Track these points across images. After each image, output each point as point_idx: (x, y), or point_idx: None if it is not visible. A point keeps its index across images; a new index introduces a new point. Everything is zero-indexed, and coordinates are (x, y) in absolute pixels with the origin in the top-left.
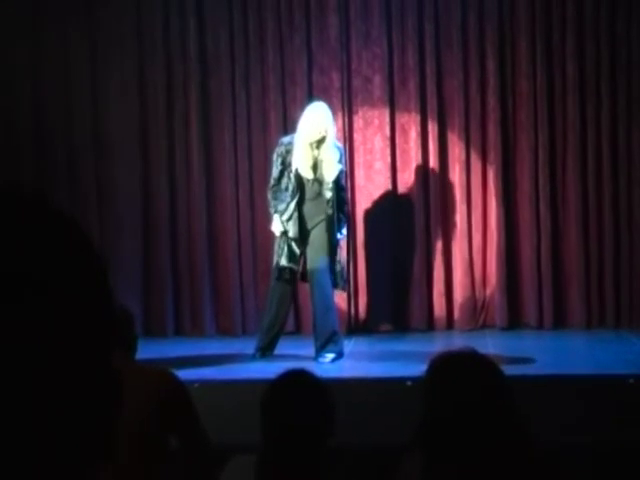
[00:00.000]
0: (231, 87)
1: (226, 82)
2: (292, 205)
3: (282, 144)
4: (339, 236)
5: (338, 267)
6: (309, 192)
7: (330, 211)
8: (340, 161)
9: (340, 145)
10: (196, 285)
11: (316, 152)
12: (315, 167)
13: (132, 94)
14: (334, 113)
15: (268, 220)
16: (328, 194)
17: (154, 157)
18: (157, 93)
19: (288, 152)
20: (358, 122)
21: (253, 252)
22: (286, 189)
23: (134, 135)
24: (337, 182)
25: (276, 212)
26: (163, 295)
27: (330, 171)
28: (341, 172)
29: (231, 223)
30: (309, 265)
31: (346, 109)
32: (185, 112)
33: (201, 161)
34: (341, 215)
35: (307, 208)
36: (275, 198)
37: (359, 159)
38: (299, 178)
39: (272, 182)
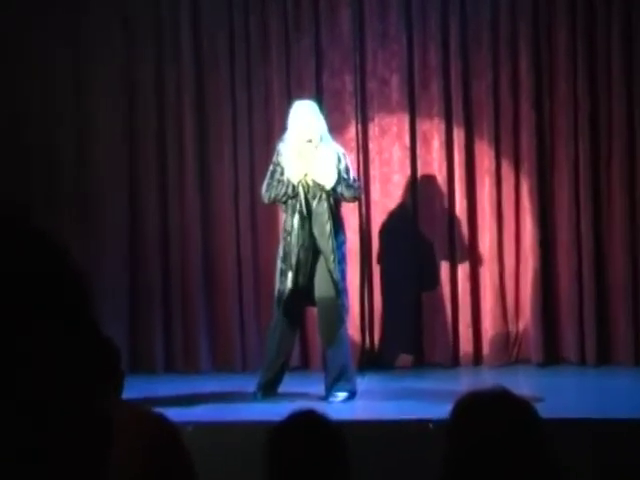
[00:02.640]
0: (230, 92)
1: (224, 86)
2: (295, 222)
3: (279, 151)
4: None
5: (341, 285)
6: (312, 204)
7: (327, 228)
8: (339, 163)
9: (336, 145)
10: (190, 314)
11: (307, 158)
12: (309, 174)
13: (118, 98)
14: (346, 120)
15: (272, 241)
16: (323, 205)
17: (143, 171)
18: (146, 99)
19: (281, 160)
20: (374, 130)
21: (255, 277)
22: (285, 202)
23: (120, 145)
24: (334, 189)
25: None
26: (152, 325)
27: (327, 177)
28: (344, 171)
29: (230, 245)
30: (317, 290)
31: (360, 115)
32: (178, 120)
33: (196, 175)
34: (338, 228)
35: (313, 223)
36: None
37: (375, 171)
38: (295, 188)
39: (268, 187)
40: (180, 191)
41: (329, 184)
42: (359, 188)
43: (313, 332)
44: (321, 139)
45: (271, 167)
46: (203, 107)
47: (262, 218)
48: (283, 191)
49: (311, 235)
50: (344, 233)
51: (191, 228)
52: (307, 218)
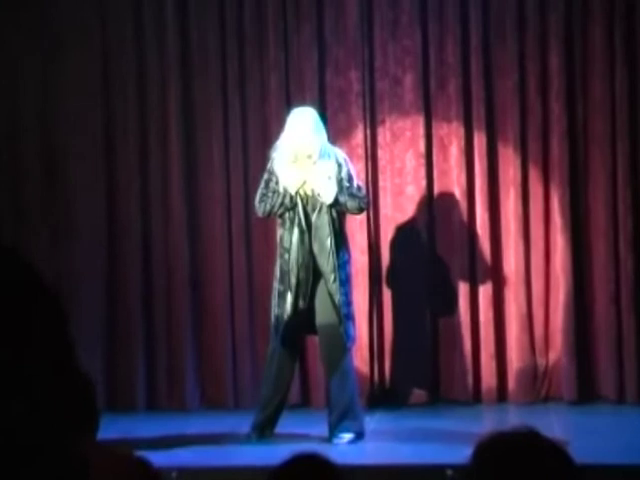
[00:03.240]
0: (222, 91)
1: (215, 85)
2: (293, 237)
3: (272, 158)
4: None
5: (344, 310)
6: (312, 217)
7: (328, 243)
8: (340, 171)
9: (336, 150)
10: (175, 343)
11: (305, 166)
12: (306, 186)
13: (93, 99)
14: (353, 123)
15: (268, 259)
16: (324, 218)
17: (122, 181)
18: (126, 99)
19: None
20: (384, 135)
21: (249, 300)
22: (281, 214)
23: (97, 152)
24: (336, 199)
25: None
26: (132, 356)
27: (326, 192)
28: (346, 179)
29: (221, 264)
30: (318, 316)
31: (368, 118)
32: (163, 123)
33: (183, 185)
34: (340, 244)
35: (312, 238)
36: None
37: (385, 182)
38: (292, 198)
39: (263, 198)
40: (164, 203)
41: (328, 199)
42: (365, 197)
43: (315, 364)
44: (321, 155)
45: (265, 175)
46: (190, 108)
47: (257, 233)
48: (279, 202)
49: (311, 252)
50: (348, 251)
51: (177, 245)
52: (307, 232)
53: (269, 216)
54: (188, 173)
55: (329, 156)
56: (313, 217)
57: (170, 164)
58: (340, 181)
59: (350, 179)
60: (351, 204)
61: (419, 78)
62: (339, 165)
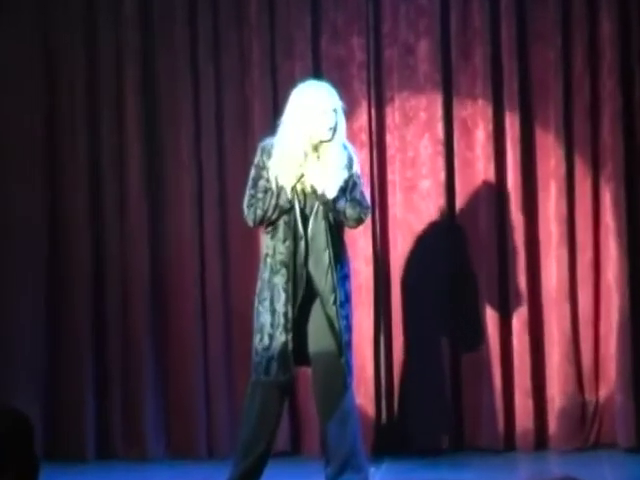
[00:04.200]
0: (190, 63)
1: (182, 55)
2: (284, 247)
3: (265, 148)
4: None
5: (345, 337)
6: (310, 225)
7: (326, 256)
8: (349, 168)
9: (349, 145)
10: (133, 377)
11: (310, 159)
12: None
13: (33, 74)
14: (354, 101)
15: (249, 274)
16: (320, 224)
17: (68, 180)
18: (73, 71)
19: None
20: (393, 116)
21: (225, 327)
22: (276, 219)
23: (35, 141)
24: (335, 204)
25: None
26: (80, 394)
27: (329, 182)
28: (351, 178)
29: (191, 280)
30: (312, 344)
31: (373, 96)
32: (117, 104)
33: (143, 182)
34: (340, 256)
35: (310, 252)
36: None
37: (394, 175)
38: (289, 199)
39: (251, 200)
40: (120, 204)
41: (331, 192)
42: (368, 207)
43: (308, 401)
44: (342, 133)
45: (252, 172)
46: (152, 85)
47: (235, 240)
48: (273, 203)
49: (306, 265)
50: (348, 262)
51: (136, 255)
52: (303, 241)
53: (262, 223)
54: (149, 166)
55: (345, 148)
56: (310, 223)
57: (127, 155)
58: (347, 180)
59: (355, 185)
60: (350, 213)
61: (437, 46)
62: (350, 161)
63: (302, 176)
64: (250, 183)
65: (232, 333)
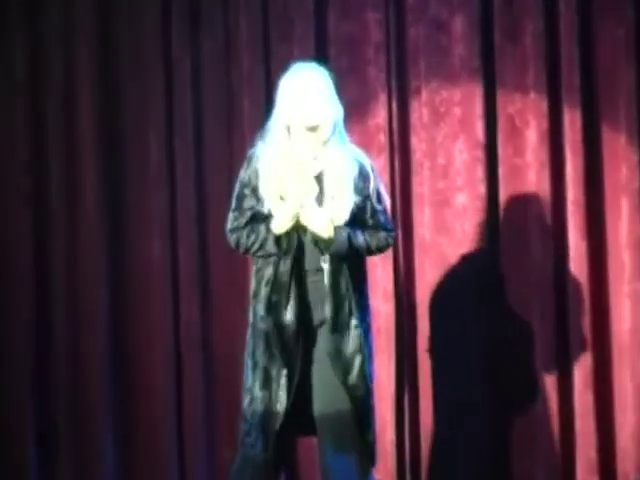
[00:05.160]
0: (161, 49)
1: (151, 39)
2: (284, 280)
3: (253, 157)
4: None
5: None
6: (308, 253)
7: (327, 303)
8: (364, 181)
9: (361, 153)
10: (86, 450)
11: (303, 184)
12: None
13: None
14: (370, 93)
15: (235, 313)
16: (324, 263)
17: (4, 185)
18: (11, 65)
19: (258, 175)
20: (419, 113)
21: (205, 385)
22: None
23: None
24: (355, 220)
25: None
26: (24, 475)
27: (339, 204)
28: (375, 199)
29: (162, 327)
30: (318, 408)
31: (394, 86)
32: (65, 99)
33: (99, 195)
34: (359, 291)
35: (309, 289)
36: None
37: (422, 188)
38: (279, 244)
39: (235, 228)
40: (69, 226)
41: (342, 217)
42: (393, 231)
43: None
44: (334, 131)
45: (236, 188)
46: (111, 75)
47: (218, 270)
48: (257, 246)
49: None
50: (367, 298)
51: (89, 293)
52: (303, 270)
53: (247, 253)
54: (107, 178)
55: (352, 153)
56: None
57: (79, 165)
58: (362, 206)
59: (376, 207)
60: (374, 241)
61: (475, 22)
62: (363, 176)
63: (297, 216)
64: (234, 202)
65: (214, 389)
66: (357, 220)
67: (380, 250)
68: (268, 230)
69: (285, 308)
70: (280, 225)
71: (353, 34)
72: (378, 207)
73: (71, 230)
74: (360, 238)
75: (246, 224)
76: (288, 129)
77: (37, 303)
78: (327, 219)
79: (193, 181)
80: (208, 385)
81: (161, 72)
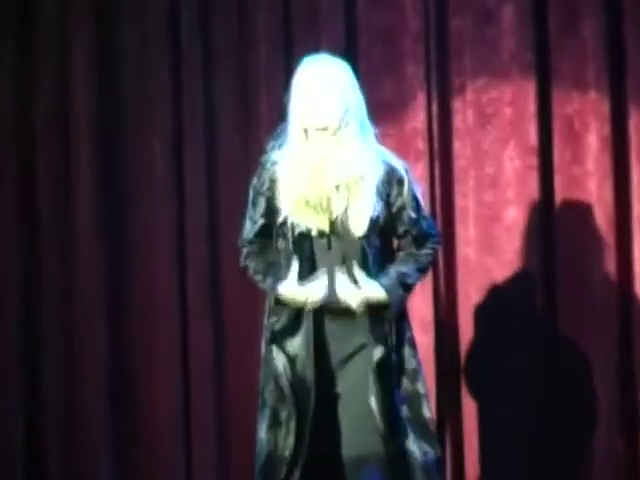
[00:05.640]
0: (168, 40)
1: (156, 29)
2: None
3: (267, 163)
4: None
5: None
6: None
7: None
8: (397, 187)
9: (388, 152)
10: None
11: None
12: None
13: None
14: (406, 92)
15: (251, 346)
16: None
17: None
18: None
19: (274, 182)
20: (464, 114)
21: (217, 431)
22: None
23: None
24: (384, 232)
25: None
26: None
27: (358, 214)
28: (412, 207)
29: (164, 354)
30: (347, 451)
31: (434, 83)
32: (59, 96)
33: (96, 211)
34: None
35: (331, 318)
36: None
37: (467, 200)
38: (300, 238)
39: (246, 239)
40: (70, 239)
41: (360, 228)
42: (437, 236)
43: None
44: (352, 129)
45: (251, 193)
46: (110, 69)
47: (232, 294)
48: (266, 285)
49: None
50: (409, 322)
51: (86, 328)
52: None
53: None
54: (105, 188)
55: (383, 159)
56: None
57: (75, 173)
58: (396, 217)
59: (417, 207)
60: (419, 250)
61: (528, 12)
62: (396, 181)
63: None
64: (249, 209)
65: (227, 434)
66: (387, 231)
67: (429, 268)
68: (273, 288)
69: (297, 339)
70: (287, 300)
71: (387, 24)
72: (416, 215)
73: (67, 249)
74: (412, 277)
75: (255, 235)
76: (305, 131)
77: (25, 346)
78: (362, 299)
79: (203, 191)
80: (219, 433)
81: (167, 66)
